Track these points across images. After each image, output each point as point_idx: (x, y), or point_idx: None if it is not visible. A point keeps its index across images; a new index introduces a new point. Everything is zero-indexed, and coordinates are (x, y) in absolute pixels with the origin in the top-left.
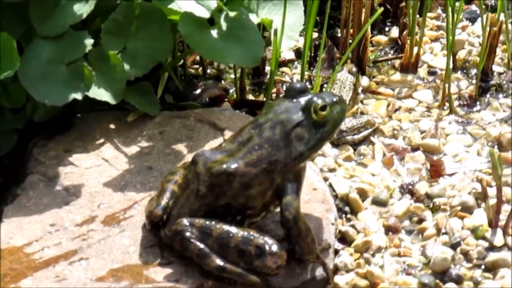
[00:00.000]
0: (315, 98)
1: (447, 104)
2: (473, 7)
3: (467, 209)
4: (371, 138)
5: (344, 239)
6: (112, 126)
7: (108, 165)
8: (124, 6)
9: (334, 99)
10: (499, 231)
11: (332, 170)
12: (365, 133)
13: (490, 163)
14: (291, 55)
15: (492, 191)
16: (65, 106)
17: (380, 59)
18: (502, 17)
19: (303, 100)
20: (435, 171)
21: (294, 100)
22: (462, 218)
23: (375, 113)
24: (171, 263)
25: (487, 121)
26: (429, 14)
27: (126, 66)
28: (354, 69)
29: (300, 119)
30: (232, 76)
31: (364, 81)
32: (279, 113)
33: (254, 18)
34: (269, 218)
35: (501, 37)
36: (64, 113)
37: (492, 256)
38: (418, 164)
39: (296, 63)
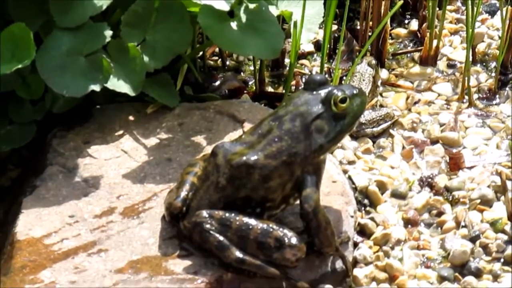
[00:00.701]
0: (335, 91)
1: (466, 97)
2: (493, 0)
3: (486, 202)
4: (390, 130)
5: (363, 231)
6: (131, 117)
7: (128, 157)
8: None
9: (354, 92)
10: None
11: (351, 162)
12: (384, 125)
13: (509, 156)
14: (310, 48)
15: (511, 184)
16: (84, 97)
17: (400, 51)
18: None
19: (323, 92)
20: (455, 164)
21: (314, 92)
22: (481, 211)
23: (394, 106)
24: (190, 255)
25: (507, 114)
26: (448, 7)
27: (146, 58)
28: (374, 61)
29: (320, 111)
30: (252, 68)
31: (384, 73)
32: (299, 105)
33: (274, 10)
34: (289, 211)
35: None
36: (83, 104)
37: (511, 249)
38: (437, 157)
39: (315, 55)
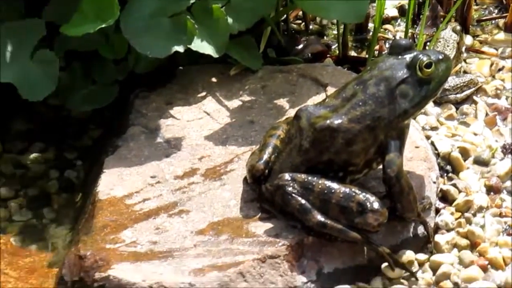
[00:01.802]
0: (420, 55)
1: None
2: None
3: None
4: (474, 97)
5: (445, 198)
6: (214, 79)
7: (210, 118)
8: None
9: (440, 57)
10: None
11: (434, 128)
12: (468, 92)
13: None
14: (394, 12)
15: None
16: (168, 58)
17: (484, 18)
18: None
19: (408, 57)
20: None
21: (399, 57)
22: None
23: (478, 72)
24: (272, 218)
25: None
26: None
27: (230, 20)
28: (458, 27)
29: (405, 76)
30: (335, 32)
31: (468, 40)
32: (384, 69)
33: None
34: (371, 175)
35: None
36: (166, 65)
37: None
38: None
39: (399, 20)
